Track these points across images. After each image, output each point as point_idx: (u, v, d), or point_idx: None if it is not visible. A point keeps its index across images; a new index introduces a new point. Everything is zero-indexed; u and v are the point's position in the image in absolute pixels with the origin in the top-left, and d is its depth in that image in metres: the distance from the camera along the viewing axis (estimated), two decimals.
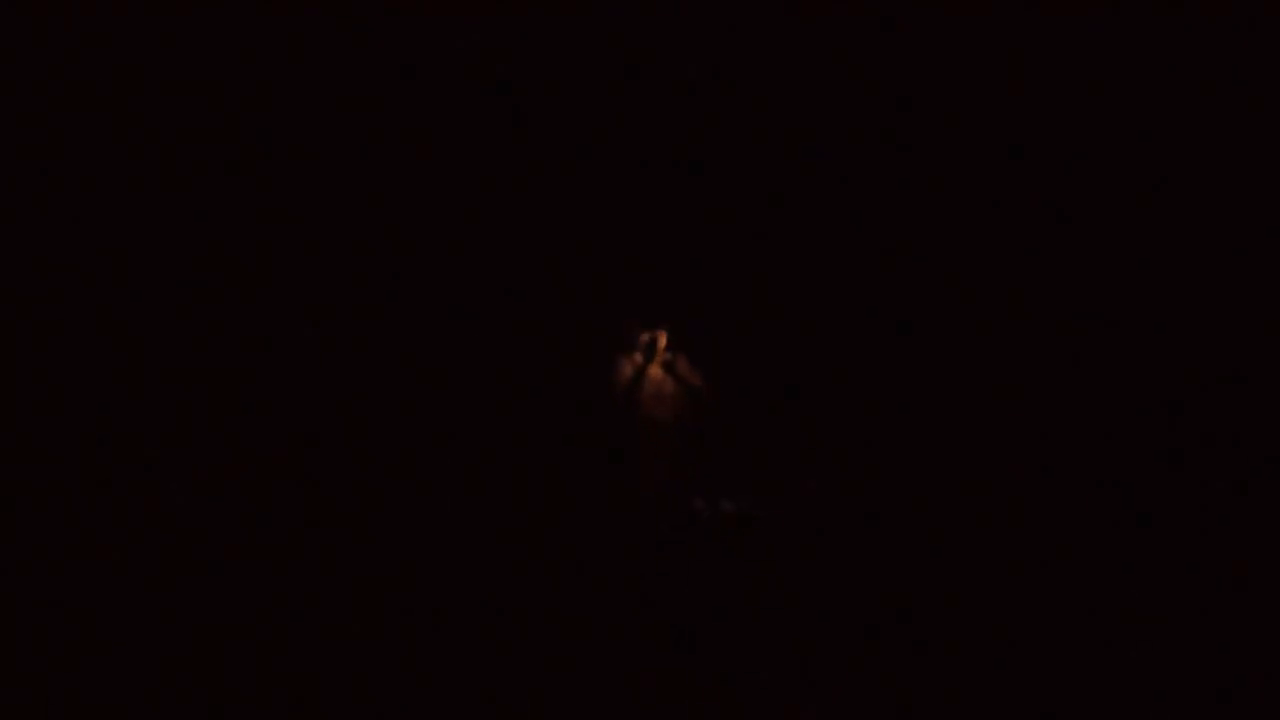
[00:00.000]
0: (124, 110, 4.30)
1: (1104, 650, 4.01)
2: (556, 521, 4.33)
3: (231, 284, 4.37)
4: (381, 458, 4.35)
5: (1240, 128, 4.22)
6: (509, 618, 4.10)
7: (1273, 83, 4.16)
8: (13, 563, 4.05)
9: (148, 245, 4.33)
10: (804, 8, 4.43)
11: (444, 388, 4.43)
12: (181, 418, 4.28)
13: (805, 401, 4.53)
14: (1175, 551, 4.20)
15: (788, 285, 4.55)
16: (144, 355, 4.28)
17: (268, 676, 3.90)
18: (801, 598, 4.20)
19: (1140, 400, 4.36)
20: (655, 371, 4.46)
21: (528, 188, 4.50)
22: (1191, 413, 4.30)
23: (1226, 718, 3.80)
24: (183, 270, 4.35)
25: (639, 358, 4.46)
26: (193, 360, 4.31)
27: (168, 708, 3.82)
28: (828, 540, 4.34)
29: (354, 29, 4.38)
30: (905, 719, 3.88)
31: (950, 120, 4.44)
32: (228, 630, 4.03)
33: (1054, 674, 3.96)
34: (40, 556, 4.07)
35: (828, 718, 3.85)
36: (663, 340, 4.46)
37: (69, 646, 3.94)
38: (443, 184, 4.52)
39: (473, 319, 4.47)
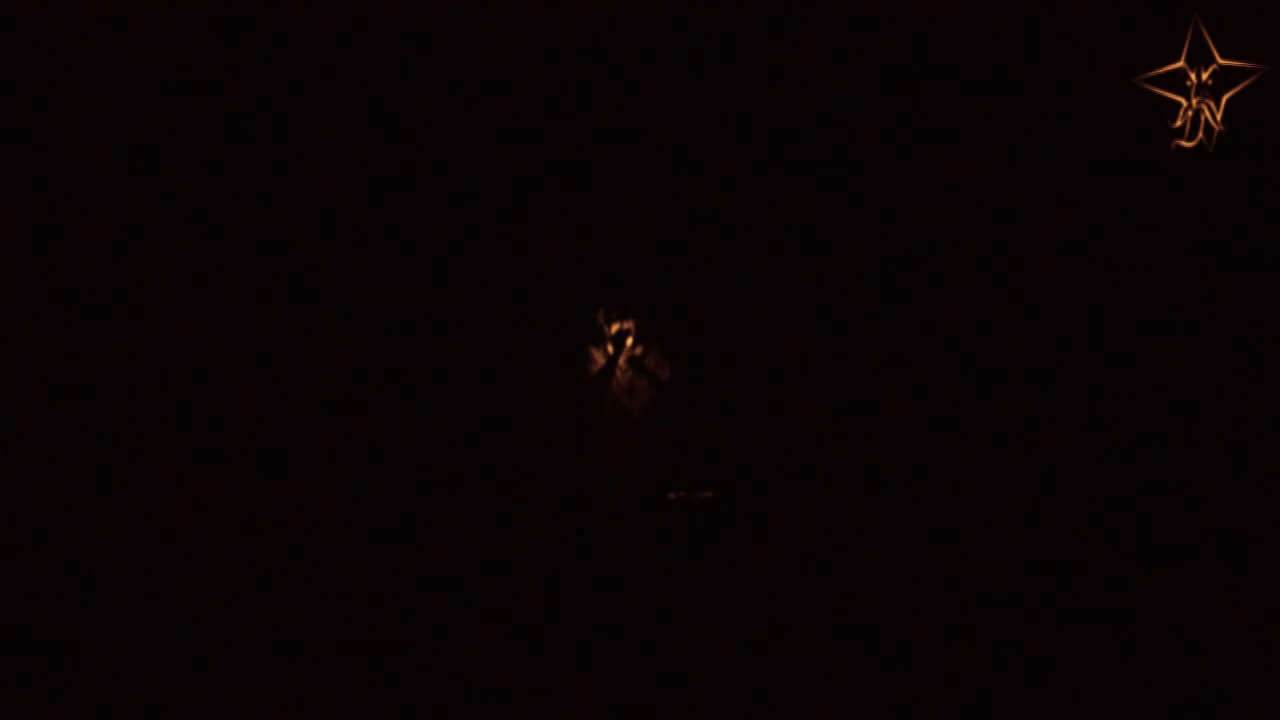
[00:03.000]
0: (124, 110, 4.31)
1: (1102, 649, 4.02)
2: (530, 516, 4.36)
3: (231, 284, 4.38)
4: (361, 455, 4.37)
5: (1240, 127, 4.22)
6: (487, 614, 4.13)
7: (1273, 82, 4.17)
8: (12, 562, 4.06)
9: (148, 245, 4.33)
10: (803, 7, 4.44)
11: (415, 381, 4.44)
12: (181, 418, 4.29)
13: (776, 393, 4.53)
14: (1175, 553, 4.20)
15: (762, 281, 4.55)
16: (144, 355, 4.29)
17: (265, 676, 3.92)
18: (779, 591, 4.22)
19: (1134, 399, 4.36)
20: (624, 365, 4.48)
21: (514, 181, 4.51)
22: (1190, 415, 4.31)
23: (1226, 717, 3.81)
24: (182, 270, 4.35)
25: (609, 350, 4.48)
26: (192, 360, 4.32)
27: (168, 707, 3.84)
28: (805, 531, 4.35)
29: (354, 29, 4.39)
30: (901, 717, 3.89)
31: (943, 119, 4.44)
32: (226, 630, 4.05)
33: (1052, 672, 3.97)
34: (40, 556, 4.08)
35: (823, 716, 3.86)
36: (631, 335, 4.49)
37: (68, 647, 3.95)
38: (443, 183, 4.53)
39: (448, 312, 4.47)
